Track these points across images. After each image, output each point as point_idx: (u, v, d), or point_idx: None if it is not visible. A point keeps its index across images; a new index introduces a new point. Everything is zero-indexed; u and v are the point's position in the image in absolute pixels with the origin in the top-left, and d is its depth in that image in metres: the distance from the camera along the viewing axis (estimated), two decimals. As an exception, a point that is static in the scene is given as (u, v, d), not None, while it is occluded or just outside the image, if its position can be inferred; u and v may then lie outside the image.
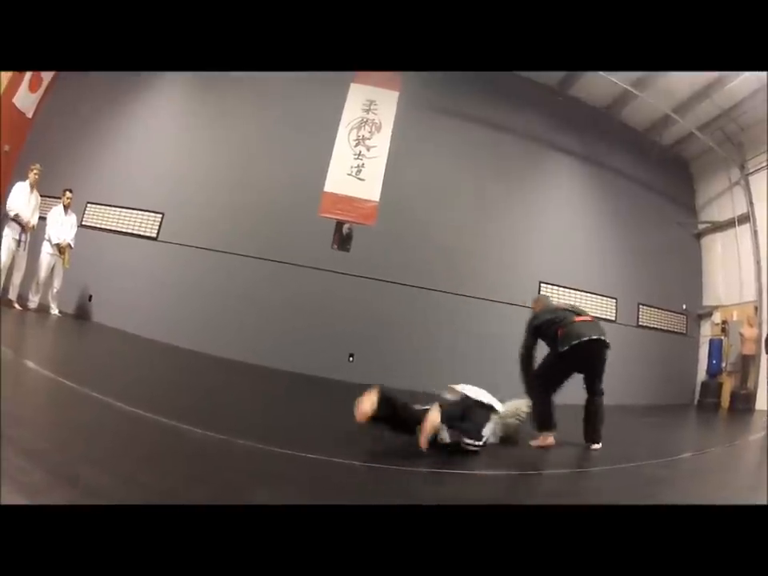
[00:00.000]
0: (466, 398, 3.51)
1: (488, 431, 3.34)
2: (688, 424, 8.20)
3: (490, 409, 3.51)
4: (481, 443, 3.16)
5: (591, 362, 4.12)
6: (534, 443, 3.91)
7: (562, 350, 3.98)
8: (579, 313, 4.31)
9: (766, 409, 8.42)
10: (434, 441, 2.89)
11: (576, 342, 3.94)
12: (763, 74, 8.21)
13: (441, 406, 2.94)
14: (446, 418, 2.93)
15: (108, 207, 7.87)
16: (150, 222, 7.74)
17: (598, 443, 4.04)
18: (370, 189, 8.03)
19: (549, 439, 3.94)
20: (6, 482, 1.44)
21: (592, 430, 4.09)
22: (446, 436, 3.00)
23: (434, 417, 2.82)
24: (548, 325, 4.21)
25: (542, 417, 4.01)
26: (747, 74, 8.32)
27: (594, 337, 3.98)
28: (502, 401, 3.79)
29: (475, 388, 3.66)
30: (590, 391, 4.17)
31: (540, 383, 4.14)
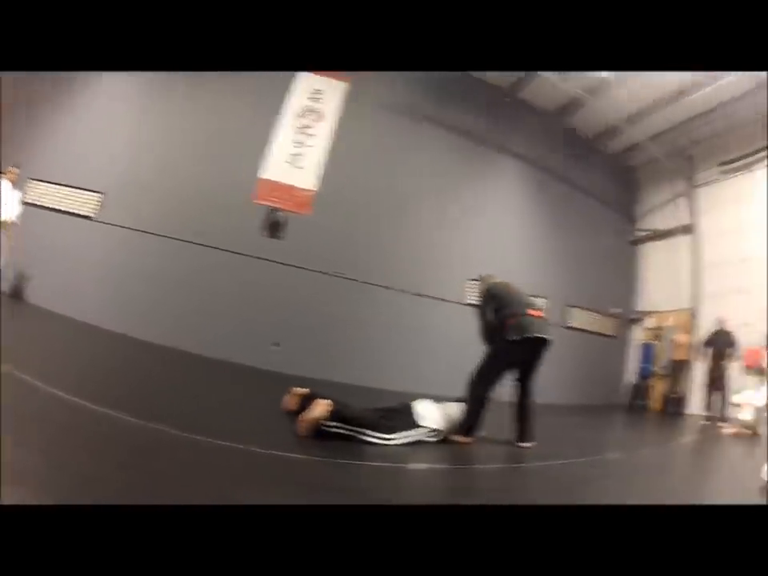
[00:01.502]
0: (404, 406, 3.61)
1: (402, 436, 3.33)
2: (618, 425, 8.32)
3: (414, 424, 3.48)
4: (388, 437, 3.22)
5: (533, 361, 4.05)
6: (453, 437, 3.73)
7: (511, 339, 3.83)
8: (532, 306, 4.15)
9: (698, 413, 8.68)
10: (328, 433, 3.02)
11: (528, 335, 3.84)
12: (723, 88, 8.56)
13: (334, 403, 3.08)
14: (337, 416, 3.07)
15: (48, 185, 7.58)
16: (89, 201, 7.51)
17: (530, 442, 4.00)
18: (307, 177, 7.96)
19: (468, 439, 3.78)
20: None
21: (525, 429, 4.03)
22: (332, 427, 3.06)
23: (316, 409, 3.01)
24: (501, 304, 4.05)
25: (474, 422, 3.80)
26: (708, 88, 8.61)
27: (543, 336, 3.92)
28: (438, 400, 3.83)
29: (430, 408, 3.66)
30: (523, 390, 4.08)
31: (482, 376, 3.92)
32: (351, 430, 3.10)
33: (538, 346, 3.95)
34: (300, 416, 3.05)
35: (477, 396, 3.84)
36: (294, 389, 3.70)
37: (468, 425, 3.77)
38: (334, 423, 3.04)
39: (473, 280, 8.97)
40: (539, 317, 4.05)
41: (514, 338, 3.82)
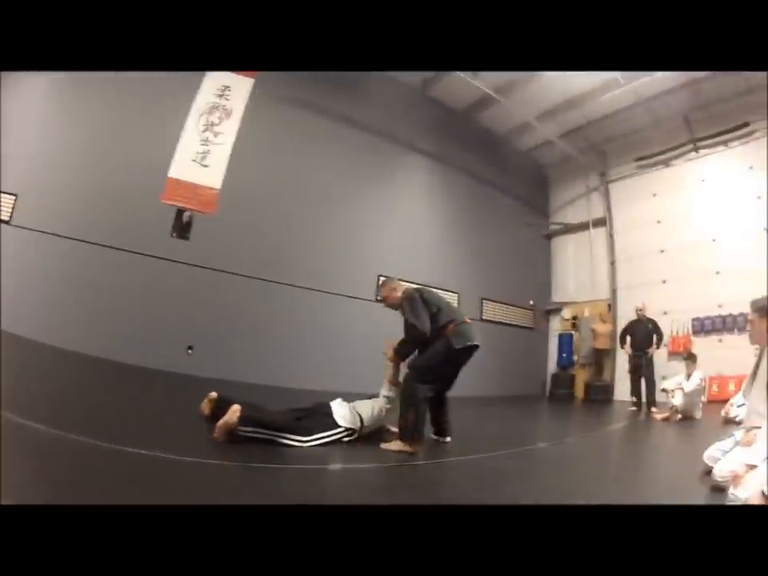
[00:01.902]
0: (319, 406, 3.65)
1: (319, 437, 3.37)
2: (545, 414, 8.60)
3: (334, 424, 3.52)
4: (305, 439, 3.27)
5: (462, 366, 4.04)
6: (387, 447, 3.59)
7: (457, 347, 3.78)
8: (463, 314, 4.18)
9: (624, 399, 8.90)
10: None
11: (470, 344, 3.85)
12: (639, 87, 8.83)
13: (243, 407, 3.09)
14: (251, 421, 3.11)
15: None
16: (3, 204, 6.81)
17: (448, 436, 4.11)
18: (213, 176, 7.53)
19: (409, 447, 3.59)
20: None
21: (443, 424, 4.13)
22: (249, 432, 3.10)
23: (228, 415, 3.02)
24: (436, 310, 3.92)
25: (419, 427, 3.64)
26: (619, 90, 8.87)
27: (476, 343, 3.93)
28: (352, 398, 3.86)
29: (346, 407, 3.70)
30: (445, 388, 4.13)
31: (425, 381, 3.73)
32: (267, 434, 3.15)
33: (471, 351, 3.95)
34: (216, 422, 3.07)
35: (420, 401, 3.69)
36: (209, 394, 3.69)
37: (414, 431, 3.61)
38: (250, 428, 3.09)
39: (381, 276, 8.85)
40: (469, 324, 4.07)
41: (459, 346, 3.79)
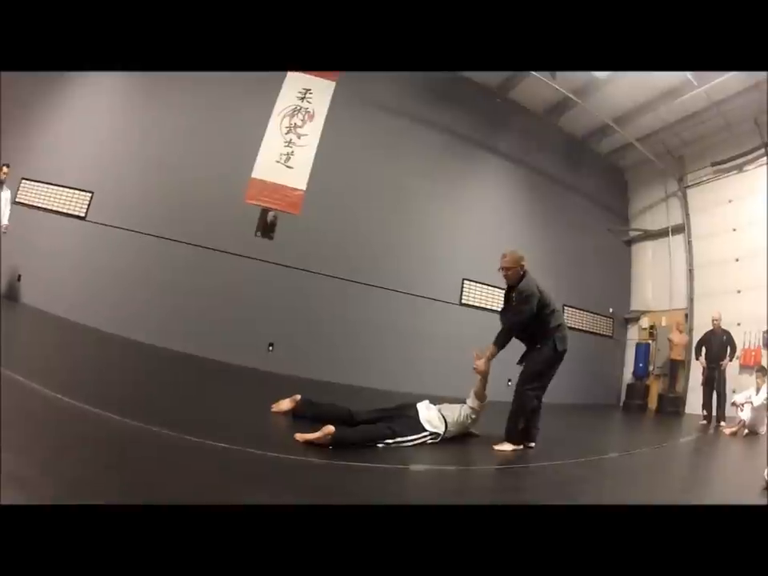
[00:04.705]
0: (406, 407, 3.67)
1: (406, 440, 3.40)
2: (617, 424, 8.45)
3: (420, 428, 3.55)
4: (390, 443, 3.28)
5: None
6: (501, 448, 3.80)
7: (561, 350, 3.92)
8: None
9: (695, 412, 8.64)
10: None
11: (566, 348, 3.96)
12: (715, 89, 8.49)
13: (335, 428, 3.00)
14: (342, 442, 3.02)
15: (39, 184, 7.36)
16: (79, 200, 7.38)
17: (534, 442, 4.06)
18: (298, 177, 7.87)
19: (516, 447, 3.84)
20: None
21: (532, 429, 4.06)
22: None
23: (320, 436, 2.93)
24: (547, 308, 3.95)
25: (522, 427, 3.89)
26: (699, 89, 8.53)
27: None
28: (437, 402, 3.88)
29: (432, 410, 3.72)
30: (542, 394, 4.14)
31: (541, 385, 3.96)
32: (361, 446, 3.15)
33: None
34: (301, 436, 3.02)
35: (529, 409, 3.91)
36: (294, 396, 3.79)
37: (522, 435, 3.89)
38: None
39: (466, 280, 8.96)
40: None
41: (562, 348, 3.91)
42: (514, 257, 3.99)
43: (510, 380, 4.37)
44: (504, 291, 4.26)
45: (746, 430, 6.39)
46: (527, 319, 3.84)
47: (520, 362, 4.05)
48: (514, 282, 3.99)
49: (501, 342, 3.92)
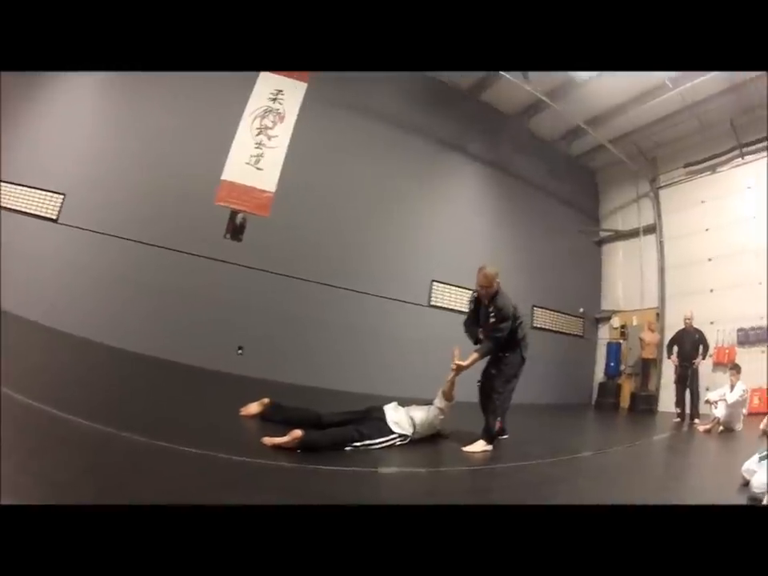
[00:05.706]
0: (373, 410, 3.72)
1: (374, 443, 3.43)
2: (591, 423, 8.59)
3: (388, 430, 3.59)
4: (357, 445, 3.31)
5: None
6: (471, 449, 3.86)
7: (526, 357, 4.28)
8: None
9: (669, 410, 8.72)
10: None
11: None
12: (685, 92, 8.65)
13: (303, 432, 3.01)
14: (311, 446, 3.04)
15: (11, 185, 7.06)
16: (51, 203, 7.07)
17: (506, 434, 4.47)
18: (267, 179, 7.75)
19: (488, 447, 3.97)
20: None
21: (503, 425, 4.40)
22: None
23: (288, 441, 2.96)
24: (519, 323, 4.28)
25: (499, 431, 4.25)
26: (674, 91, 8.64)
27: None
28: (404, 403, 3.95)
29: (400, 412, 3.78)
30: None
31: (510, 389, 4.23)
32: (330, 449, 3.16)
33: None
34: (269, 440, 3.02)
35: (505, 407, 4.24)
36: (263, 399, 3.82)
37: (496, 434, 4.11)
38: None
39: (435, 281, 8.91)
40: None
41: (526, 355, 4.27)
42: (489, 275, 4.14)
43: (479, 381, 4.34)
44: (471, 301, 4.45)
45: (721, 427, 6.49)
46: (507, 334, 4.06)
47: (486, 372, 4.28)
48: (489, 297, 4.16)
49: (483, 353, 4.09)
